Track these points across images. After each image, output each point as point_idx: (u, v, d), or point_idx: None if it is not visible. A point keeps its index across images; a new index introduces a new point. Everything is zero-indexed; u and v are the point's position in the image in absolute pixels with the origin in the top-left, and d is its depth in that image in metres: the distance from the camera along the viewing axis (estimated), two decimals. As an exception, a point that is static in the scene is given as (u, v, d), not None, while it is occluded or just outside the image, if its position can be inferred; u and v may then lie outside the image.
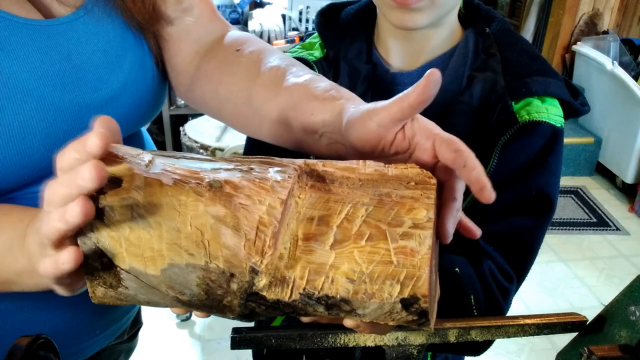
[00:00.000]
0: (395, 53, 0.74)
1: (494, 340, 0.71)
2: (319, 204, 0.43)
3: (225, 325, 2.09)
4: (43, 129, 0.59)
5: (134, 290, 0.43)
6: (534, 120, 0.66)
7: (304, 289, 0.40)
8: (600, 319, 0.56)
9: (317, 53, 0.77)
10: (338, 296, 0.40)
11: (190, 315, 2.10)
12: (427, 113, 0.69)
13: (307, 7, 2.76)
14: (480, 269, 0.67)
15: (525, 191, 0.68)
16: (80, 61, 0.63)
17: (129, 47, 0.68)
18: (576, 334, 0.58)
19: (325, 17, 0.79)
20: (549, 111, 0.67)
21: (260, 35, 2.72)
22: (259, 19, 2.78)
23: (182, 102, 3.22)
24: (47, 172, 0.63)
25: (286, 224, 0.42)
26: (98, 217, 0.40)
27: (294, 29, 2.80)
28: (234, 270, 0.40)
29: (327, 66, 0.76)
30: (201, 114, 2.55)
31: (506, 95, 0.68)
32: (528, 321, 0.57)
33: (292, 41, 2.68)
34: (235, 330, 0.56)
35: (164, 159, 0.44)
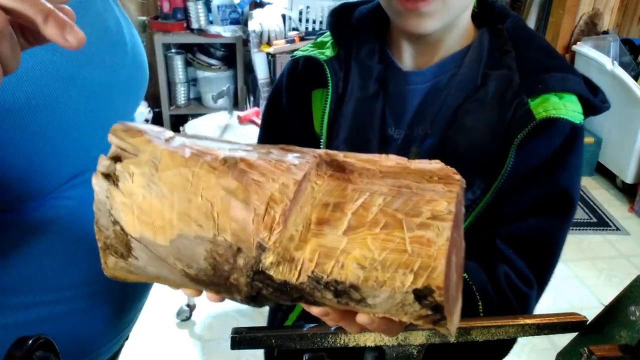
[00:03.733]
0: (407, 53, 0.73)
1: (515, 339, 0.68)
2: (336, 191, 0.43)
3: (225, 325, 2.09)
4: (89, 112, 0.60)
5: (143, 261, 0.43)
6: (552, 117, 0.64)
7: (313, 271, 0.39)
8: (600, 319, 0.56)
9: (329, 52, 0.76)
10: (347, 282, 0.39)
11: (190, 315, 2.10)
12: (442, 113, 0.69)
13: (307, 7, 2.76)
14: (494, 274, 0.65)
15: (545, 190, 0.67)
16: (93, 41, 0.64)
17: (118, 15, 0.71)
18: (576, 334, 0.58)
19: (338, 17, 0.78)
20: (567, 107, 0.65)
21: (260, 35, 2.72)
22: (259, 19, 2.78)
23: (182, 102, 3.22)
24: (92, 160, 0.65)
25: (299, 207, 0.41)
26: (114, 184, 0.41)
27: (294, 29, 2.79)
28: (241, 244, 0.40)
29: (338, 66, 0.75)
30: (201, 114, 2.54)
31: (522, 92, 0.67)
32: (528, 321, 0.57)
33: (292, 41, 2.68)
34: (235, 330, 0.56)
35: (185, 138, 0.45)
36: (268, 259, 0.40)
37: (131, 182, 0.41)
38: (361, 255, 0.39)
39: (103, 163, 0.43)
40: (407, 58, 0.73)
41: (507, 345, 0.71)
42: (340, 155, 0.45)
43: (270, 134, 0.85)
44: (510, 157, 0.65)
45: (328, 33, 0.79)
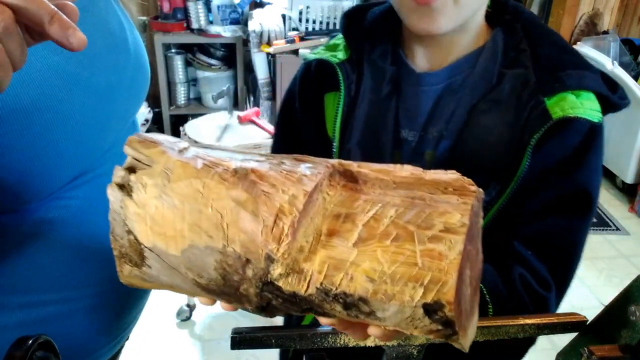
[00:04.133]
0: (421, 54, 0.72)
1: (532, 342, 0.68)
2: (347, 202, 0.42)
3: (225, 325, 2.09)
4: (92, 113, 0.61)
5: (156, 270, 0.44)
6: (569, 116, 0.62)
7: (321, 283, 0.39)
8: (600, 319, 0.56)
9: (341, 55, 0.76)
10: (356, 294, 0.38)
11: (190, 315, 2.10)
12: (457, 113, 0.69)
13: (307, 7, 2.76)
14: (509, 275, 0.64)
15: (563, 190, 0.66)
16: (96, 43, 0.65)
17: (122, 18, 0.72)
18: (576, 334, 0.58)
19: (350, 19, 0.78)
20: (585, 106, 0.63)
21: (260, 35, 2.72)
22: (259, 19, 2.78)
23: (182, 102, 3.22)
24: (100, 158, 0.65)
25: (310, 218, 0.41)
26: (128, 194, 0.42)
27: (294, 29, 2.79)
28: (249, 255, 0.40)
29: (350, 68, 0.75)
30: (201, 114, 2.54)
31: (538, 91, 0.65)
32: (528, 321, 0.56)
33: (292, 41, 2.68)
34: (235, 330, 0.56)
35: (199, 149, 0.45)
36: (276, 271, 0.40)
37: (144, 193, 0.42)
38: (370, 268, 0.38)
39: (118, 174, 0.44)
40: (420, 59, 0.72)
41: (518, 348, 0.70)
42: (354, 166, 0.45)
43: (284, 138, 0.85)
44: (527, 158, 0.64)
45: (340, 35, 0.79)
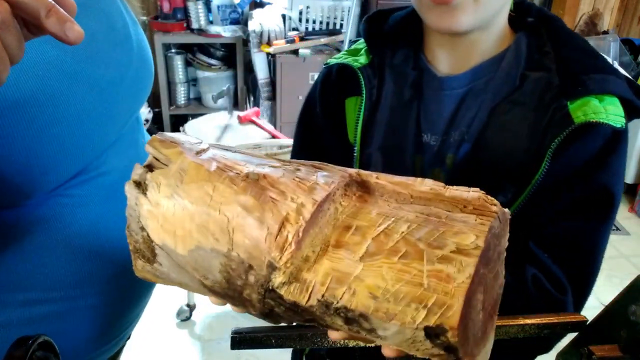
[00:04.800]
0: (443, 58, 0.71)
1: (549, 346, 0.67)
2: (360, 214, 0.41)
3: (225, 325, 2.09)
4: (93, 109, 0.61)
5: (167, 267, 0.45)
6: (591, 121, 0.61)
7: (323, 295, 0.39)
8: (600, 319, 0.56)
9: (363, 59, 0.75)
10: (357, 310, 0.38)
11: (190, 315, 2.10)
12: (479, 117, 0.68)
13: (307, 7, 2.76)
14: (521, 278, 0.63)
15: (583, 192, 0.64)
16: (99, 39, 0.66)
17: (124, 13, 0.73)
18: (576, 334, 0.58)
19: (372, 24, 0.77)
20: (608, 111, 0.62)
21: (260, 35, 2.72)
22: (259, 19, 2.78)
23: (182, 102, 3.22)
24: (101, 152, 0.66)
25: (319, 227, 0.41)
26: (143, 192, 0.44)
27: (294, 29, 2.79)
28: (252, 261, 0.40)
29: (372, 73, 0.74)
30: (201, 114, 2.54)
31: (561, 94, 0.65)
32: (528, 321, 0.56)
33: (292, 41, 2.68)
34: (235, 330, 0.56)
35: (218, 150, 0.46)
36: (278, 279, 0.40)
37: (158, 191, 0.43)
38: (374, 285, 0.37)
39: (137, 171, 0.45)
40: (442, 63, 0.72)
41: (527, 349, 0.69)
42: (372, 177, 0.44)
43: (304, 143, 0.84)
44: (546, 162, 0.63)
45: (362, 40, 0.78)
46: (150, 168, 0.45)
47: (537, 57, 0.68)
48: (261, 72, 2.80)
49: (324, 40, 2.73)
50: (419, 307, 0.36)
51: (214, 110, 2.68)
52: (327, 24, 2.80)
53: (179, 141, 0.46)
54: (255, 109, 2.37)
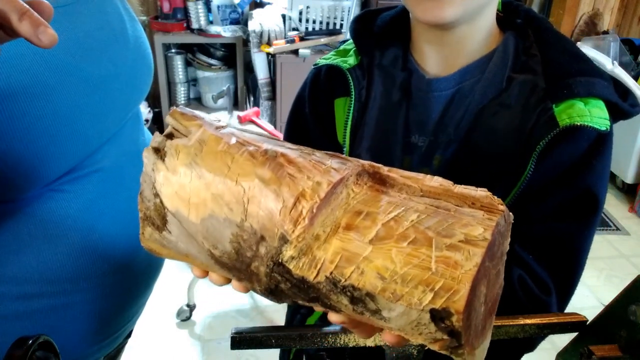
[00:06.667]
0: (431, 59, 0.72)
1: (532, 344, 0.68)
2: (371, 201, 0.43)
3: (225, 325, 2.09)
4: (87, 104, 0.62)
5: (175, 236, 0.45)
6: (576, 124, 0.62)
7: (331, 272, 0.39)
8: (600, 319, 0.56)
9: (352, 60, 0.75)
10: (364, 289, 0.38)
11: (190, 315, 2.10)
12: (466, 118, 0.68)
13: (307, 7, 2.76)
14: (508, 277, 0.63)
15: (567, 194, 0.65)
16: (93, 34, 0.67)
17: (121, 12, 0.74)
18: (576, 334, 0.58)
19: (361, 24, 0.77)
20: (592, 114, 0.63)
21: (260, 35, 2.72)
22: (259, 19, 2.78)
23: (182, 102, 3.22)
24: (95, 146, 0.67)
25: (331, 209, 0.41)
26: (161, 158, 0.44)
27: (294, 29, 2.79)
28: (265, 232, 0.41)
29: (361, 74, 0.74)
30: (201, 114, 2.54)
31: (546, 97, 0.65)
32: (528, 321, 0.57)
33: (292, 41, 2.68)
34: (235, 330, 0.56)
35: (236, 129, 0.47)
36: (288, 252, 0.40)
37: (176, 158, 0.44)
38: (383, 266, 0.38)
39: (156, 139, 0.46)
40: (430, 64, 0.72)
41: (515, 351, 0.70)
42: (384, 169, 0.46)
43: (294, 143, 0.84)
44: (531, 164, 0.64)
45: (351, 41, 0.78)
46: (170, 136, 0.46)
47: (523, 59, 0.69)
48: (261, 72, 2.80)
49: (324, 40, 2.72)
50: (426, 290, 0.36)
51: (214, 110, 2.68)
52: (327, 24, 2.80)
53: (199, 116, 0.47)
54: (255, 109, 2.37)
